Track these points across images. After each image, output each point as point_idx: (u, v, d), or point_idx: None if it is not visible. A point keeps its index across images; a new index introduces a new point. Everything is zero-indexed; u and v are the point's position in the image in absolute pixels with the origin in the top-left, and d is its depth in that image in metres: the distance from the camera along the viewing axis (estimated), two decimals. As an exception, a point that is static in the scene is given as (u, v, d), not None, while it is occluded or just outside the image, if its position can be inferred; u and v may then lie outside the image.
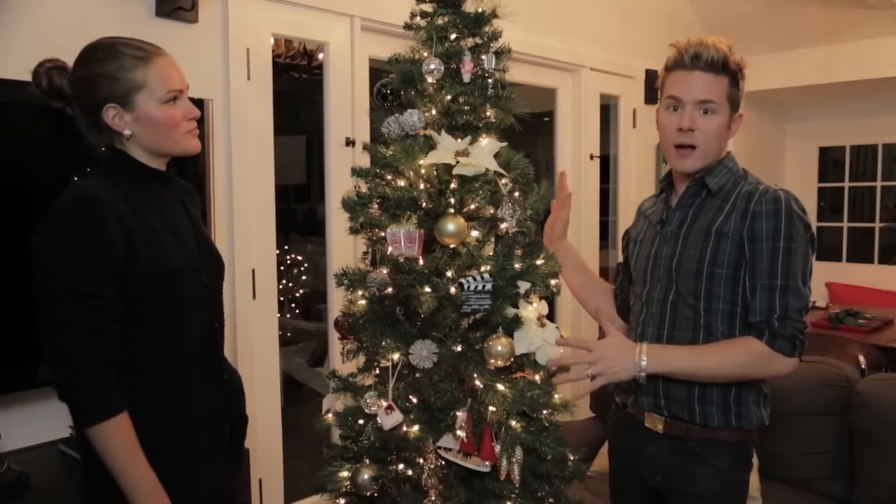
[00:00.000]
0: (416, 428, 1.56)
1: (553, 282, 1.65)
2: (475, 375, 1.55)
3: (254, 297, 2.67)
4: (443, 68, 1.61)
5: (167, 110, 1.41)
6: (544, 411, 1.61)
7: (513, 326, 1.58)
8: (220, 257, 1.62)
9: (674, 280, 1.61)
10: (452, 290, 1.53)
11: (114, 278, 1.32)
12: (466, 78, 1.62)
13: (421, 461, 1.57)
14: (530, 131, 1.81)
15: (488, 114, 1.64)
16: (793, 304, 1.49)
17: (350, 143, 2.93)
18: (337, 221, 2.82)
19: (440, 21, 1.65)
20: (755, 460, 1.66)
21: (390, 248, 1.54)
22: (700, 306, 1.57)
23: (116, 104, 1.38)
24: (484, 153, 1.57)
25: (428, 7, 1.67)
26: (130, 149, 1.43)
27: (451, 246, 1.56)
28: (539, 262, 1.63)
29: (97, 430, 1.30)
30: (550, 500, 1.62)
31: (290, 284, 5.41)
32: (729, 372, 1.54)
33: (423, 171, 1.57)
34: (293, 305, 5.50)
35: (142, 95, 1.39)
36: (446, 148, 1.56)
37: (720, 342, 1.57)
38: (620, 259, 1.94)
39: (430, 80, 1.62)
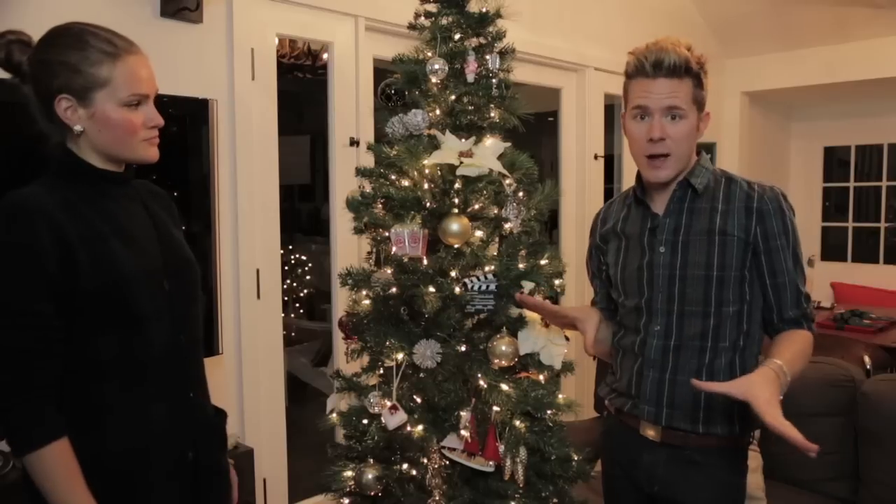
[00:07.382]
0: (420, 428, 1.56)
1: (557, 282, 1.65)
2: (479, 375, 1.55)
3: (258, 296, 2.67)
4: (447, 68, 1.61)
5: (126, 114, 1.28)
6: (548, 411, 1.61)
7: (517, 326, 1.59)
8: (191, 262, 1.44)
9: (677, 288, 1.55)
10: (457, 289, 1.53)
11: (48, 293, 1.20)
12: (470, 78, 1.62)
13: (425, 461, 1.57)
14: (534, 131, 1.80)
15: (492, 114, 1.64)
16: (804, 288, 1.58)
17: (354, 143, 2.93)
18: (341, 221, 2.83)
19: (444, 21, 1.65)
20: (759, 461, 1.65)
21: (394, 248, 1.54)
22: (710, 312, 1.53)
23: (71, 96, 1.26)
24: (488, 154, 1.57)
25: (432, 7, 1.68)
26: (81, 147, 1.31)
27: (456, 246, 1.56)
28: (543, 262, 1.63)
29: (30, 458, 1.19)
30: (554, 500, 1.62)
31: (295, 284, 5.42)
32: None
33: (427, 171, 1.58)
34: (297, 305, 5.51)
35: (102, 93, 1.26)
36: (450, 148, 1.56)
37: (786, 343, 1.52)
38: (588, 275, 1.79)
39: (434, 80, 1.62)
